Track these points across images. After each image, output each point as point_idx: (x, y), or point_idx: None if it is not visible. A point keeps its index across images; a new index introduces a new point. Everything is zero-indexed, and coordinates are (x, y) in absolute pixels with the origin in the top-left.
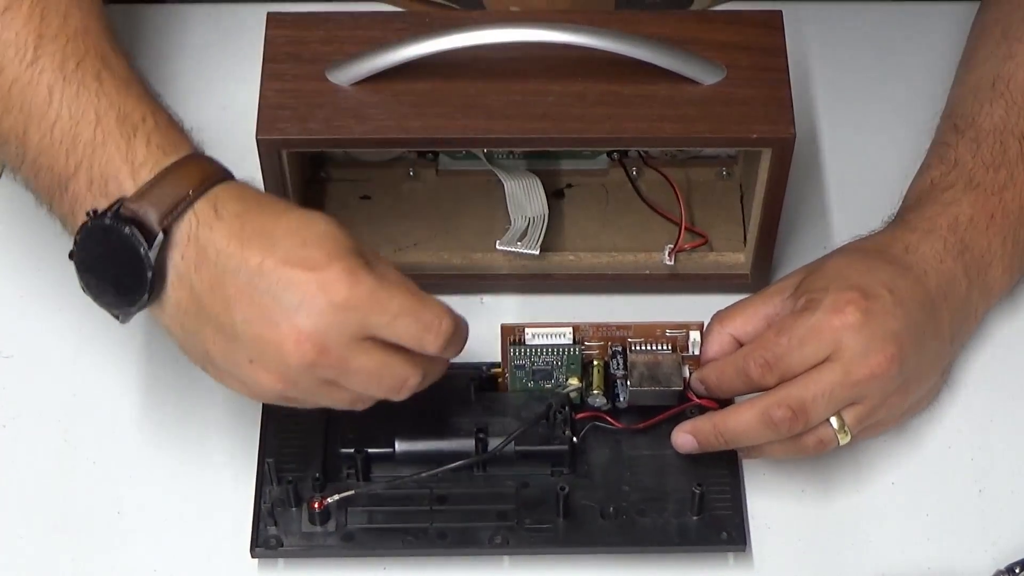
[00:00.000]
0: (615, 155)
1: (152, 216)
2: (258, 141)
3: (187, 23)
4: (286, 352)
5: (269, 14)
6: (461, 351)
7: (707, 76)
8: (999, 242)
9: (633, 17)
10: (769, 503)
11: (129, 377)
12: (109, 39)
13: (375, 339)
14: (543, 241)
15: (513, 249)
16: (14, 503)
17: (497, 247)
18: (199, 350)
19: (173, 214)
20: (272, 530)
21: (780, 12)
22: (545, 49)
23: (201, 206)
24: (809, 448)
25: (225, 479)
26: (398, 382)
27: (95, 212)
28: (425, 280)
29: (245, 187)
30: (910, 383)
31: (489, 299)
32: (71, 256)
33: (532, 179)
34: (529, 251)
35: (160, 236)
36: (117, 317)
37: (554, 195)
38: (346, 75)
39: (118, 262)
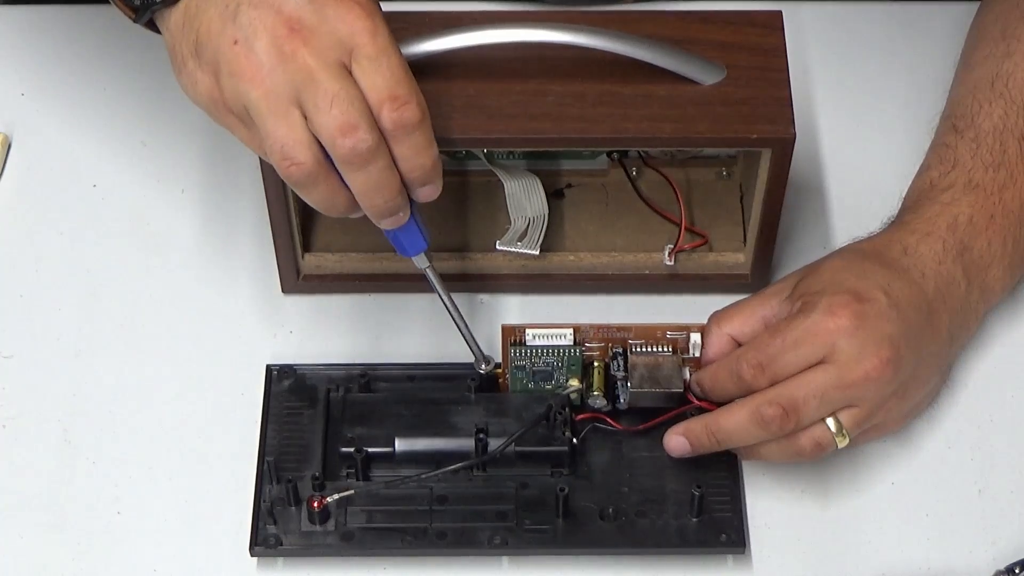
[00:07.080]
0: (615, 155)
1: None
2: None
3: None
4: (271, 28)
5: None
6: (426, 187)
7: (707, 76)
8: (999, 242)
9: (633, 17)
10: (769, 504)
11: (129, 377)
12: None
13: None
14: (543, 241)
15: (513, 249)
16: (14, 503)
17: (497, 247)
18: (190, 40)
19: None
20: (271, 529)
21: (780, 12)
22: (545, 49)
23: None
24: (807, 450)
25: (225, 478)
26: (364, 113)
27: None
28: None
29: None
30: (908, 386)
31: (489, 299)
32: None
33: (532, 179)
34: (529, 251)
35: None
36: (134, 15)
37: (554, 195)
38: None
39: None
